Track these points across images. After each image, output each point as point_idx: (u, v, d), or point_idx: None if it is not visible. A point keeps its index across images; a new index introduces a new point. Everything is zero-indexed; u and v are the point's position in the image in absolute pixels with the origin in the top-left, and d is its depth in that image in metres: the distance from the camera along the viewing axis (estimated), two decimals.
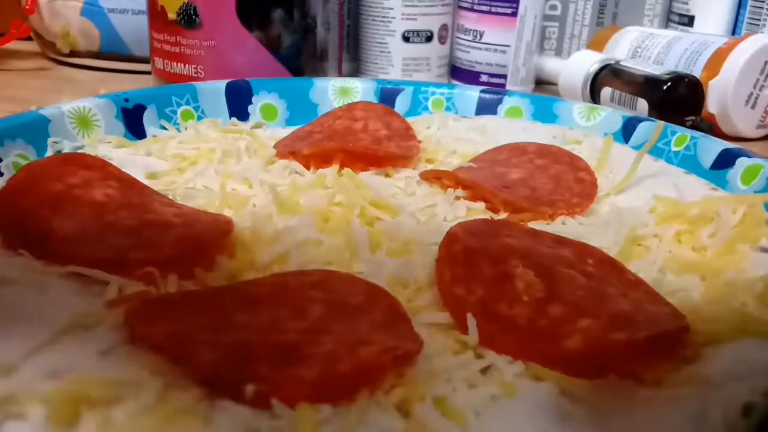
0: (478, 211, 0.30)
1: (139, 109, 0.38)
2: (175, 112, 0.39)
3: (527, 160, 0.34)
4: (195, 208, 0.28)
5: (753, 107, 0.47)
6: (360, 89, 0.42)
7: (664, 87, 0.44)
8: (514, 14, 0.54)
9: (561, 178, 0.32)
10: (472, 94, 0.43)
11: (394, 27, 0.55)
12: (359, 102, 0.40)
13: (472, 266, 0.23)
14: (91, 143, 0.35)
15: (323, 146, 0.34)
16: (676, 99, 0.44)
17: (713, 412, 0.18)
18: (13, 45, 0.62)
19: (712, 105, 0.46)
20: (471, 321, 0.20)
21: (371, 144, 0.35)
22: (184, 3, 0.45)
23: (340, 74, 0.52)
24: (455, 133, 0.39)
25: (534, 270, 0.22)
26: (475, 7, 0.55)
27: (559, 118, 0.41)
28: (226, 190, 0.30)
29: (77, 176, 0.27)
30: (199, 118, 0.39)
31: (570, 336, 0.20)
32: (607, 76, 0.49)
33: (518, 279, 0.22)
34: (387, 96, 0.42)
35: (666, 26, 0.63)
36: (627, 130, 0.38)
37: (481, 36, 0.55)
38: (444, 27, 0.56)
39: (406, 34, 0.55)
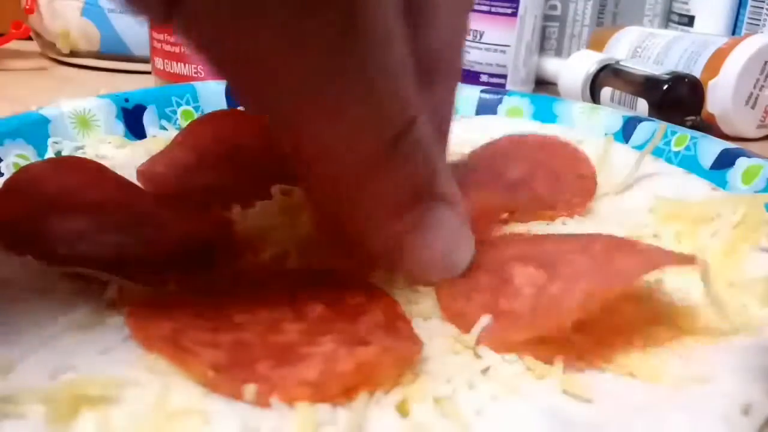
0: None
1: (139, 109, 0.38)
2: (175, 112, 0.39)
3: (526, 154, 0.33)
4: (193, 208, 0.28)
5: (753, 107, 0.47)
6: None
7: (664, 87, 0.44)
8: (514, 14, 0.54)
9: (561, 173, 0.32)
10: (472, 94, 0.43)
11: None
12: None
13: (470, 279, 0.22)
14: (92, 143, 0.35)
15: None
16: (676, 99, 0.44)
17: (713, 412, 0.18)
18: (13, 45, 0.62)
19: (712, 105, 0.46)
20: (482, 321, 0.20)
21: None
22: None
23: None
24: (455, 133, 0.39)
25: (534, 265, 0.22)
26: (475, 7, 0.55)
27: (559, 118, 0.41)
28: None
29: (74, 178, 0.27)
30: None
31: (567, 297, 0.19)
32: (607, 76, 0.49)
33: (517, 277, 0.22)
34: None
35: (666, 26, 0.63)
36: (627, 130, 0.38)
37: (481, 36, 0.55)
38: None
39: None
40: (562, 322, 0.19)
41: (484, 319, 0.20)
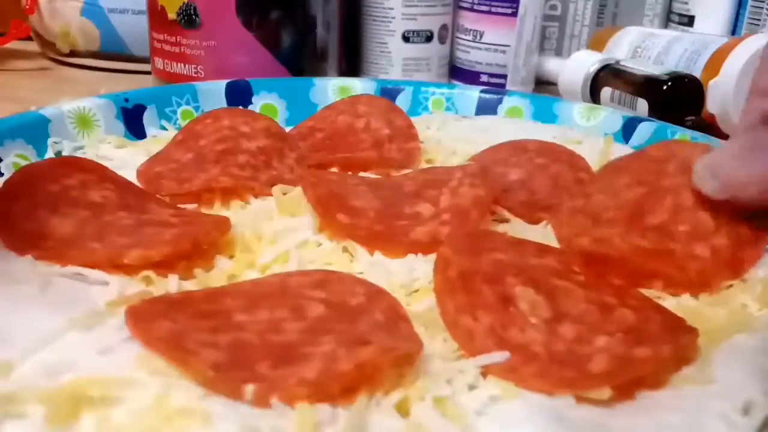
0: None
1: (139, 109, 0.38)
2: (175, 112, 0.39)
3: (527, 159, 0.34)
4: (193, 208, 0.28)
5: None
6: (360, 89, 0.42)
7: (664, 87, 0.44)
8: (514, 14, 0.54)
9: (560, 178, 0.32)
10: (472, 94, 0.43)
11: (394, 27, 0.55)
12: (363, 95, 0.40)
13: (472, 292, 0.21)
14: (91, 143, 0.35)
15: (321, 159, 0.34)
16: (676, 99, 0.44)
17: (713, 412, 0.18)
18: (13, 45, 0.62)
19: (712, 105, 0.46)
20: (497, 355, 0.19)
21: (371, 147, 0.35)
22: (184, 3, 0.45)
23: (340, 74, 0.52)
24: (455, 133, 0.39)
25: (532, 287, 0.22)
26: (475, 7, 0.55)
27: (559, 118, 0.41)
28: None
29: (74, 178, 0.27)
30: None
31: (592, 358, 0.19)
32: (607, 76, 0.49)
33: (520, 300, 0.21)
34: (387, 96, 0.42)
35: (666, 26, 0.63)
36: (627, 130, 0.38)
37: (481, 36, 0.55)
38: (444, 27, 0.56)
39: (406, 34, 0.55)
40: (591, 384, 0.18)
41: (500, 355, 0.19)
